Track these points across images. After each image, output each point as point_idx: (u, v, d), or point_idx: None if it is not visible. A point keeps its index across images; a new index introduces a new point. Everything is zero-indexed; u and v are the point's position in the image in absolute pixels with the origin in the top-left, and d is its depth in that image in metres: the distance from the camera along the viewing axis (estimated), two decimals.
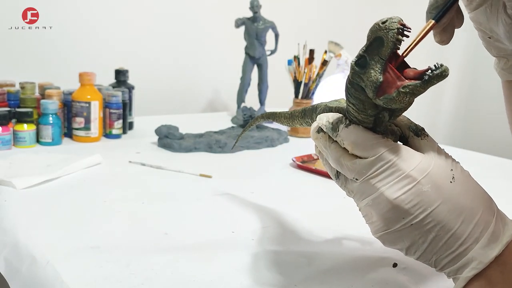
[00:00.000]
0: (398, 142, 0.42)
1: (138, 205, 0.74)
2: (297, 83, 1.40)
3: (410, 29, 0.38)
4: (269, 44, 1.49)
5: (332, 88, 1.43)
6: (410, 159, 0.39)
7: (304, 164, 1.00)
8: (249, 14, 1.44)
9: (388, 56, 0.38)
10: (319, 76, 1.39)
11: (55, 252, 0.57)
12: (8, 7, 1.31)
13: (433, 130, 2.54)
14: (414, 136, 0.43)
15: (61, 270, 0.52)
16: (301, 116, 0.55)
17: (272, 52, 1.50)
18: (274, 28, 1.46)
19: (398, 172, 0.39)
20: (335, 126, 0.43)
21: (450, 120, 2.58)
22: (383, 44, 0.38)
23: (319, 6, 2.05)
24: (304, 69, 1.39)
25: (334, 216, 0.74)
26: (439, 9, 0.43)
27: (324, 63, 1.39)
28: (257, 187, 0.86)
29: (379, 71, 0.39)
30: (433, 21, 0.42)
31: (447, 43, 0.46)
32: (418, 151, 0.41)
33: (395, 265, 0.57)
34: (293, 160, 1.01)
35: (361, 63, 0.40)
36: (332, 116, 0.44)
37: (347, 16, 2.11)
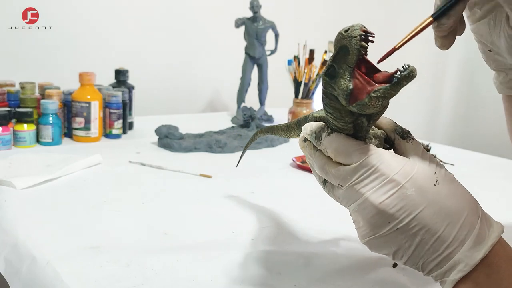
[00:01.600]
0: (381, 148, 0.42)
1: (138, 205, 0.74)
2: (297, 83, 1.40)
3: (374, 34, 0.39)
4: (269, 44, 1.49)
5: None
6: (393, 163, 0.40)
7: (304, 164, 1.00)
8: (249, 14, 1.44)
9: (355, 63, 0.39)
10: (319, 76, 1.39)
11: (55, 252, 0.57)
12: (8, 7, 1.31)
13: (433, 130, 2.54)
14: (400, 139, 0.43)
15: (61, 270, 0.52)
16: (296, 126, 0.56)
17: (272, 52, 1.50)
18: (274, 28, 1.46)
19: (381, 177, 0.39)
20: (318, 134, 0.44)
21: (449, 120, 2.58)
22: (349, 52, 0.39)
23: (319, 6, 2.05)
24: (304, 69, 1.39)
25: (334, 216, 0.74)
26: (440, 7, 0.43)
27: (324, 63, 1.39)
28: (257, 187, 0.86)
29: (348, 78, 0.39)
30: (431, 18, 0.42)
31: (447, 48, 0.46)
32: (403, 154, 0.42)
33: (395, 265, 0.57)
34: (293, 160, 1.01)
35: (331, 73, 0.40)
36: (315, 125, 0.45)
37: (347, 16, 2.11)
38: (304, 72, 1.39)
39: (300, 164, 1.00)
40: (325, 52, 1.41)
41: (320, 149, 0.44)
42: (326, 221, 0.71)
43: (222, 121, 1.44)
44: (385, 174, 0.39)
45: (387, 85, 0.38)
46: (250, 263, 0.56)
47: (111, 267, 0.54)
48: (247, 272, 0.54)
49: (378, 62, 0.41)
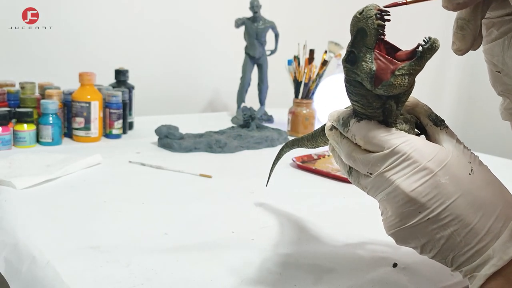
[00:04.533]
0: (413, 135, 0.40)
1: (138, 205, 0.74)
2: (297, 83, 1.40)
3: (389, 12, 0.38)
4: (269, 44, 1.49)
5: (332, 88, 1.43)
6: (426, 150, 0.38)
7: (304, 164, 1.00)
8: (249, 14, 1.44)
9: (374, 44, 0.38)
10: (319, 76, 1.39)
11: (55, 252, 0.57)
12: (8, 7, 1.31)
13: None
14: (433, 126, 0.42)
15: (61, 270, 0.52)
16: (322, 134, 0.54)
17: (272, 52, 1.50)
18: (274, 28, 1.46)
19: (414, 165, 0.38)
20: (345, 121, 0.43)
21: (450, 120, 2.57)
22: (367, 34, 0.38)
23: (319, 6, 2.05)
24: (304, 69, 1.39)
25: (334, 216, 0.74)
26: None
27: (324, 63, 1.39)
28: (257, 187, 0.86)
29: (370, 61, 0.38)
30: None
31: (462, 54, 0.43)
32: (435, 141, 0.40)
33: (395, 265, 0.57)
34: (293, 160, 1.01)
35: (351, 59, 0.39)
36: (343, 112, 0.43)
37: (347, 16, 2.10)
38: (304, 72, 1.39)
39: (300, 164, 1.00)
40: (325, 52, 1.41)
41: (347, 137, 0.42)
42: (326, 221, 0.71)
43: (222, 121, 1.44)
44: (418, 161, 0.38)
45: (411, 61, 0.38)
46: (250, 263, 0.56)
47: (111, 267, 0.54)
48: (247, 272, 0.54)
49: (385, 7, 0.39)
